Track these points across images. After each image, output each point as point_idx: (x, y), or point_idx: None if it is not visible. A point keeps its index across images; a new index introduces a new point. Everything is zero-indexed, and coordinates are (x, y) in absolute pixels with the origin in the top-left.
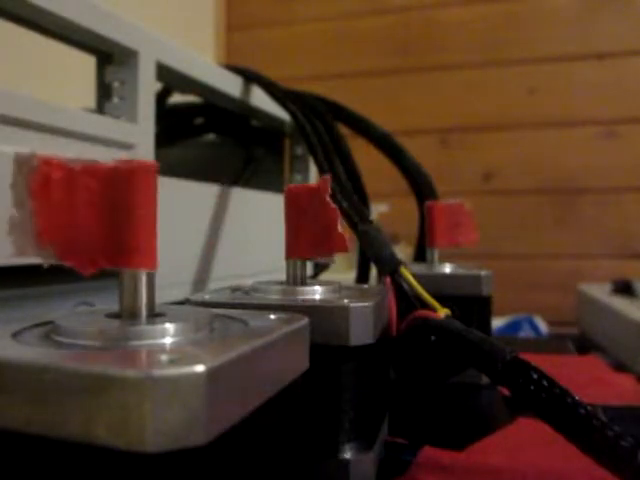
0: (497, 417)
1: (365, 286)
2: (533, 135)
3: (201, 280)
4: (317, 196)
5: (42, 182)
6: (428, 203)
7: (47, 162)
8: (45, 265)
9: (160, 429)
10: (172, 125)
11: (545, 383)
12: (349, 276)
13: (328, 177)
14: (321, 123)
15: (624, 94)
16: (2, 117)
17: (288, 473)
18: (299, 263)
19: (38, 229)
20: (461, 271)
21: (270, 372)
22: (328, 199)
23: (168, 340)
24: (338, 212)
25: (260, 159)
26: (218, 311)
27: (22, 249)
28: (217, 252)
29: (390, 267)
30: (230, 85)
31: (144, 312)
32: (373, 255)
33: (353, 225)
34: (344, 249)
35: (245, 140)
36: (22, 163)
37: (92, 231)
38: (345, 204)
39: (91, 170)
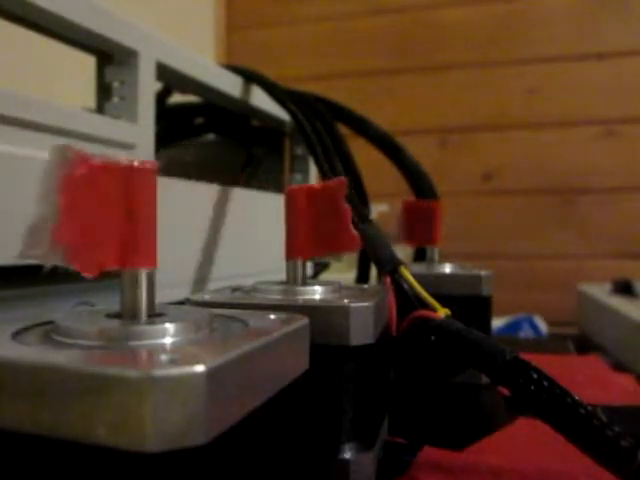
0: (497, 417)
1: (365, 286)
2: (533, 135)
3: (201, 280)
4: (326, 196)
5: (70, 177)
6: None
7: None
8: (47, 267)
9: (160, 429)
10: (172, 125)
11: (545, 383)
12: (349, 276)
13: (344, 179)
14: (321, 123)
15: (624, 94)
16: (2, 117)
17: (288, 473)
18: (299, 263)
19: (55, 227)
20: (461, 271)
21: (270, 372)
22: (342, 199)
23: (168, 340)
24: (350, 212)
25: (260, 159)
26: (218, 311)
27: (33, 248)
28: (217, 252)
29: (390, 267)
30: (230, 85)
31: (144, 312)
32: (373, 255)
33: (353, 225)
34: (354, 248)
35: (245, 140)
36: (56, 155)
37: (100, 231)
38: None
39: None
